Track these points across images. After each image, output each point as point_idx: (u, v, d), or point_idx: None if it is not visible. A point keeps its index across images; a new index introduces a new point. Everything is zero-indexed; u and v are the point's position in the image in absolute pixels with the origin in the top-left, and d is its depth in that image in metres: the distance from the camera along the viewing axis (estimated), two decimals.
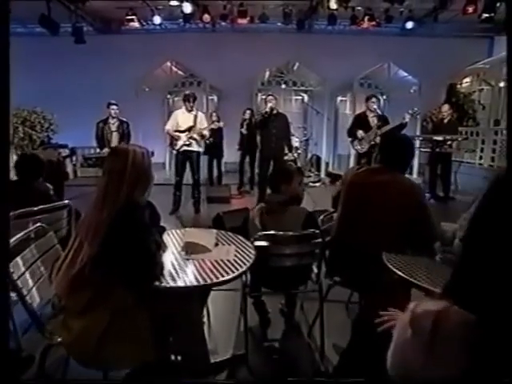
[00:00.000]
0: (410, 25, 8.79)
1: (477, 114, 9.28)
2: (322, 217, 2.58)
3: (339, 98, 10.02)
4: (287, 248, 2.19)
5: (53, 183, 4.24)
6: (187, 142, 5.33)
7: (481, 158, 8.45)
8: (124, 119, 5.96)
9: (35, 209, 2.22)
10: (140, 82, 8.33)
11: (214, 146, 6.88)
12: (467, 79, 9.64)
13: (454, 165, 7.00)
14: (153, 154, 5.19)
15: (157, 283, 1.58)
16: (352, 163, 8.55)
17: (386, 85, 8.88)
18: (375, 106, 5.33)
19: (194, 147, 5.41)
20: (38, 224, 1.86)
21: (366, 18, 8.54)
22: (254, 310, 2.57)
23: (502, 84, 8.80)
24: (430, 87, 8.62)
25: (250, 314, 2.38)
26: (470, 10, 7.61)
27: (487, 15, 7.45)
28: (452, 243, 2.15)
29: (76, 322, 1.57)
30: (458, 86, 9.57)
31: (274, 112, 5.45)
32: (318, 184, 8.39)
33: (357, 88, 8.73)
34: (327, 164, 9.30)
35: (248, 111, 7.25)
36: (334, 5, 7.58)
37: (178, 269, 1.72)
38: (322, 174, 8.90)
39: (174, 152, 5.52)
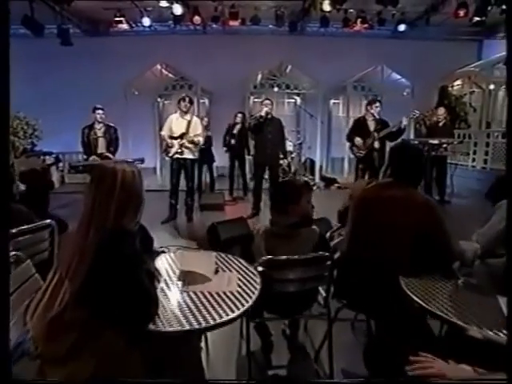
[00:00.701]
0: (402, 27, 8.70)
1: (468, 117, 9.23)
2: (328, 234, 2.38)
3: (332, 101, 9.96)
4: (294, 272, 1.98)
5: (36, 193, 3.98)
6: (179, 150, 5.10)
7: (473, 160, 8.38)
8: (111, 124, 5.68)
9: (13, 231, 1.97)
10: (129, 86, 8.11)
11: (203, 152, 6.59)
12: (458, 82, 9.59)
13: (450, 168, 6.90)
14: (143, 160, 4.96)
15: (151, 326, 1.36)
16: (346, 167, 8.53)
17: (379, 87, 8.79)
18: (378, 110, 5.17)
19: (187, 155, 5.17)
20: (13, 253, 1.62)
21: (359, 21, 8.44)
22: (255, 332, 2.36)
23: (492, 86, 8.79)
24: (423, 90, 8.59)
25: (251, 336, 2.17)
26: (461, 13, 7.55)
27: (478, 19, 7.38)
28: (473, 264, 1.99)
29: (56, 371, 1.34)
30: (450, 89, 9.52)
31: (269, 117, 5.29)
32: (313, 189, 8.19)
33: (350, 91, 8.65)
34: (321, 167, 9.18)
35: (240, 115, 7.03)
36: (327, 7, 7.42)
37: (176, 306, 1.50)
38: (317, 178, 8.75)
39: (168, 159, 5.29)
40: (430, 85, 9.03)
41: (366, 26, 8.51)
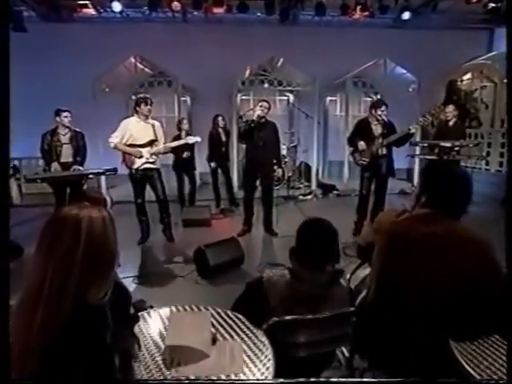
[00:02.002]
0: (406, 15, 8.59)
1: (480, 114, 9.15)
2: (348, 276, 2.12)
3: (329, 99, 9.85)
4: (308, 334, 1.70)
5: None
6: (150, 160, 4.77)
7: (487, 162, 8.27)
8: (78, 130, 5.34)
9: None
10: (98, 82, 7.78)
11: (183, 159, 6.28)
12: (468, 75, 9.50)
13: None
14: (116, 171, 4.64)
15: None
16: (346, 171, 8.32)
17: (382, 83, 8.66)
18: (384, 115, 4.96)
19: (155, 165, 4.88)
20: None
21: (358, 8, 8.31)
22: None
23: (505, 80, 8.70)
24: (429, 85, 8.49)
25: None
26: None
27: (494, 5, 7.27)
28: None
29: None
30: (459, 84, 9.43)
31: (262, 120, 5.08)
32: (309, 197, 8.11)
33: (349, 87, 8.49)
34: (317, 173, 9.05)
35: (219, 118, 6.76)
36: None
37: None
38: (313, 185, 8.58)
39: (129, 171, 4.89)
40: (436, 79, 8.93)
41: (366, 13, 8.39)
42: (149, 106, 4.75)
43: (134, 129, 4.76)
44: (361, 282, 2.27)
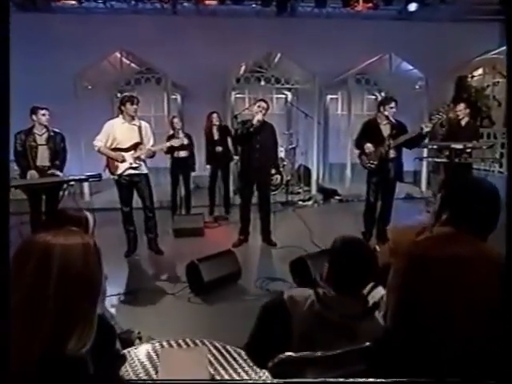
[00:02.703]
0: (412, 7, 8.59)
1: (492, 112, 9.11)
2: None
3: (330, 97, 9.82)
4: (320, 373, 1.56)
5: None
6: (134, 165, 4.68)
7: (501, 165, 8.22)
8: (57, 130, 5.14)
9: None
10: (80, 78, 7.65)
11: (182, 159, 6.25)
12: (479, 71, 9.45)
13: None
14: (100, 177, 4.51)
15: None
16: (349, 174, 8.25)
17: (387, 80, 8.60)
18: (393, 112, 4.89)
19: (142, 170, 4.79)
20: None
21: None
22: None
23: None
24: (437, 82, 8.43)
25: None
26: None
27: None
28: None
29: None
30: (469, 80, 9.37)
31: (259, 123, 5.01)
32: (309, 203, 8.05)
33: (352, 85, 8.46)
34: (318, 176, 8.97)
35: (214, 115, 6.69)
36: None
37: None
38: (313, 190, 8.51)
39: (114, 177, 4.79)
40: (445, 75, 8.87)
41: (369, 5, 8.41)
42: (135, 106, 4.64)
43: (118, 131, 4.69)
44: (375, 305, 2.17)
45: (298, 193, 8.49)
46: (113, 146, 4.68)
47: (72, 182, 4.24)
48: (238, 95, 9.34)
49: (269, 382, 1.42)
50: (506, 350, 1.50)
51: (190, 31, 9.03)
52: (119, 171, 4.66)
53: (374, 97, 9.82)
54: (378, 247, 4.02)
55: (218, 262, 3.97)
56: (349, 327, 1.57)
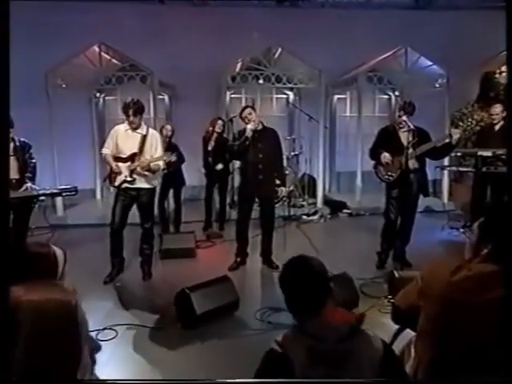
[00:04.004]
0: None
1: None
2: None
3: (336, 97, 9.90)
4: None
5: None
6: (129, 178, 4.70)
7: None
8: (23, 140, 5.05)
9: None
10: (53, 76, 7.61)
11: (169, 173, 6.25)
12: None
13: None
14: (76, 191, 4.41)
15: None
16: (360, 185, 8.24)
17: (402, 78, 8.59)
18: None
19: (142, 183, 4.80)
20: None
21: None
22: None
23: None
24: (460, 79, 8.41)
25: None
26: None
27: None
28: None
29: None
30: (497, 76, 9.37)
31: (259, 127, 5.03)
32: (315, 218, 8.04)
33: (362, 83, 8.45)
34: (324, 187, 9.00)
35: (219, 122, 6.77)
36: None
37: None
38: (319, 203, 8.49)
39: (112, 189, 4.98)
40: (469, 72, 8.87)
41: None
42: (131, 118, 4.65)
43: (121, 138, 4.79)
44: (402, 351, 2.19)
45: (302, 206, 8.44)
46: (116, 155, 4.80)
47: (42, 197, 4.10)
48: (233, 95, 9.38)
49: (268, 381, 1.52)
50: None
51: (179, 23, 9.09)
52: (116, 183, 4.76)
53: (387, 96, 9.82)
54: (395, 272, 3.94)
55: (212, 291, 3.90)
56: (343, 352, 1.65)
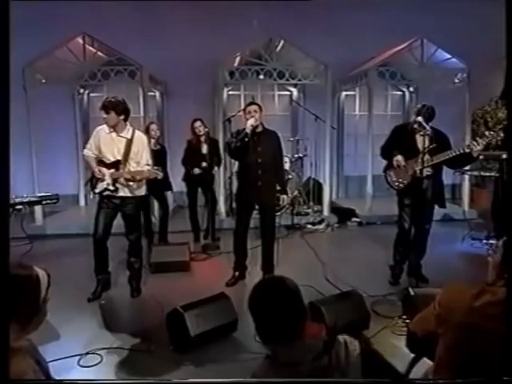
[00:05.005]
0: None
1: None
2: None
3: (344, 93, 9.94)
4: None
5: None
6: (111, 187, 4.68)
7: None
8: None
9: None
10: (31, 70, 7.64)
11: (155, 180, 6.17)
12: None
13: None
14: (57, 199, 4.40)
15: None
16: (370, 190, 8.26)
17: (418, 73, 8.57)
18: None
19: (126, 193, 4.77)
20: None
21: None
22: None
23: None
24: (481, 72, 8.44)
25: None
26: None
27: None
28: None
29: None
30: None
31: (259, 130, 5.04)
32: (321, 227, 8.04)
33: (373, 78, 8.42)
34: (330, 192, 9.01)
35: (197, 123, 6.65)
36: None
37: None
38: (325, 210, 8.48)
39: (93, 196, 4.90)
40: (492, 65, 8.78)
41: None
42: (104, 114, 4.58)
43: (103, 141, 4.74)
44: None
45: (307, 214, 8.43)
46: (99, 158, 4.79)
47: (19, 206, 4.10)
48: (231, 92, 9.44)
49: (266, 381, 1.58)
50: None
51: (171, 12, 9.10)
52: (97, 190, 4.75)
53: (400, 93, 9.82)
54: (410, 289, 3.92)
55: (207, 310, 3.88)
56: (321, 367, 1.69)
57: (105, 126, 4.78)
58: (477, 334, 1.83)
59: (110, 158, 4.72)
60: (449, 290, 1.99)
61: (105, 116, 4.58)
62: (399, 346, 3.34)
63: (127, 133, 4.71)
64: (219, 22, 8.89)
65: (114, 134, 4.70)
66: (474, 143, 4.58)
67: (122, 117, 4.62)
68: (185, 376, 3.47)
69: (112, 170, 4.68)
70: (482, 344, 1.82)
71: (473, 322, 1.83)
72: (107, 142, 4.72)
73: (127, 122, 4.72)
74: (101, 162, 4.77)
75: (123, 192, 4.74)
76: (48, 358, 1.76)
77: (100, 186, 4.72)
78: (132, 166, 4.68)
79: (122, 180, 4.69)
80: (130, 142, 4.68)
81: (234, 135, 5.10)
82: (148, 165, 4.74)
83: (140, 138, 4.80)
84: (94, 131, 4.89)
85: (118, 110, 4.59)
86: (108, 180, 4.67)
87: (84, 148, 5.00)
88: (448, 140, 4.91)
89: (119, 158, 4.68)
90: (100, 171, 4.69)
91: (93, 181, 4.82)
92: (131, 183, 4.73)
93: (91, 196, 4.88)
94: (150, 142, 6.17)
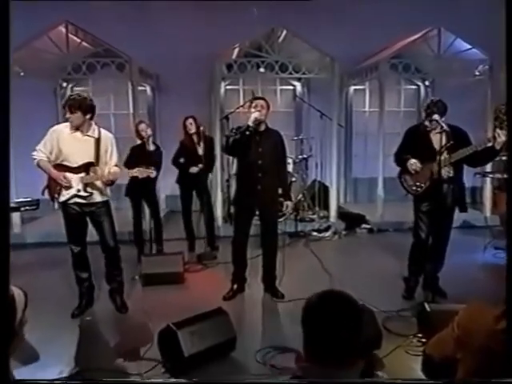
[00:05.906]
0: None
1: None
2: None
3: (353, 88, 9.96)
4: None
5: None
6: (83, 193, 4.60)
7: None
8: None
9: None
10: (9, 62, 7.49)
11: (140, 181, 6.15)
12: None
13: None
14: (37, 203, 4.38)
15: None
16: (381, 194, 8.28)
17: (434, 65, 8.59)
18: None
19: (97, 197, 4.72)
20: None
21: None
22: None
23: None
24: (505, 64, 8.36)
25: None
26: None
27: None
28: None
29: None
30: None
31: (262, 129, 5.06)
32: (327, 234, 8.04)
33: (385, 72, 8.45)
34: (338, 196, 9.00)
35: (188, 121, 6.65)
36: None
37: None
38: (332, 216, 8.50)
39: (58, 205, 4.79)
40: None
41: None
42: (68, 114, 4.49)
43: (65, 143, 4.60)
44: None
45: (312, 220, 8.45)
46: (58, 161, 4.62)
47: None
48: (229, 87, 9.48)
49: (270, 381, 1.79)
50: None
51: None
52: (62, 198, 4.61)
53: (414, 87, 9.82)
54: (426, 304, 3.90)
55: (203, 327, 3.85)
56: None
57: (62, 125, 4.70)
58: (499, 359, 1.80)
59: (78, 161, 4.60)
60: (469, 310, 1.98)
61: (69, 116, 4.48)
62: (414, 367, 3.33)
63: (94, 132, 4.64)
64: (216, 11, 8.91)
65: (78, 134, 4.58)
66: (499, 132, 4.52)
67: (88, 116, 4.53)
68: None
69: (82, 174, 4.58)
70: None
71: (495, 347, 1.83)
72: (70, 143, 4.59)
73: (92, 121, 4.63)
74: (62, 166, 4.63)
75: (99, 197, 4.70)
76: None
77: (66, 194, 4.60)
78: (107, 171, 4.64)
79: (98, 184, 4.65)
80: (98, 142, 4.63)
81: (235, 130, 5.09)
82: (116, 165, 4.73)
83: (107, 136, 4.76)
84: (51, 130, 4.68)
85: (85, 108, 4.51)
86: (78, 186, 4.58)
87: (34, 150, 4.67)
88: (467, 136, 4.88)
89: (89, 160, 4.60)
90: (65, 178, 4.55)
91: (51, 188, 4.70)
92: (101, 187, 4.70)
93: (55, 206, 4.78)
94: (143, 140, 6.26)
